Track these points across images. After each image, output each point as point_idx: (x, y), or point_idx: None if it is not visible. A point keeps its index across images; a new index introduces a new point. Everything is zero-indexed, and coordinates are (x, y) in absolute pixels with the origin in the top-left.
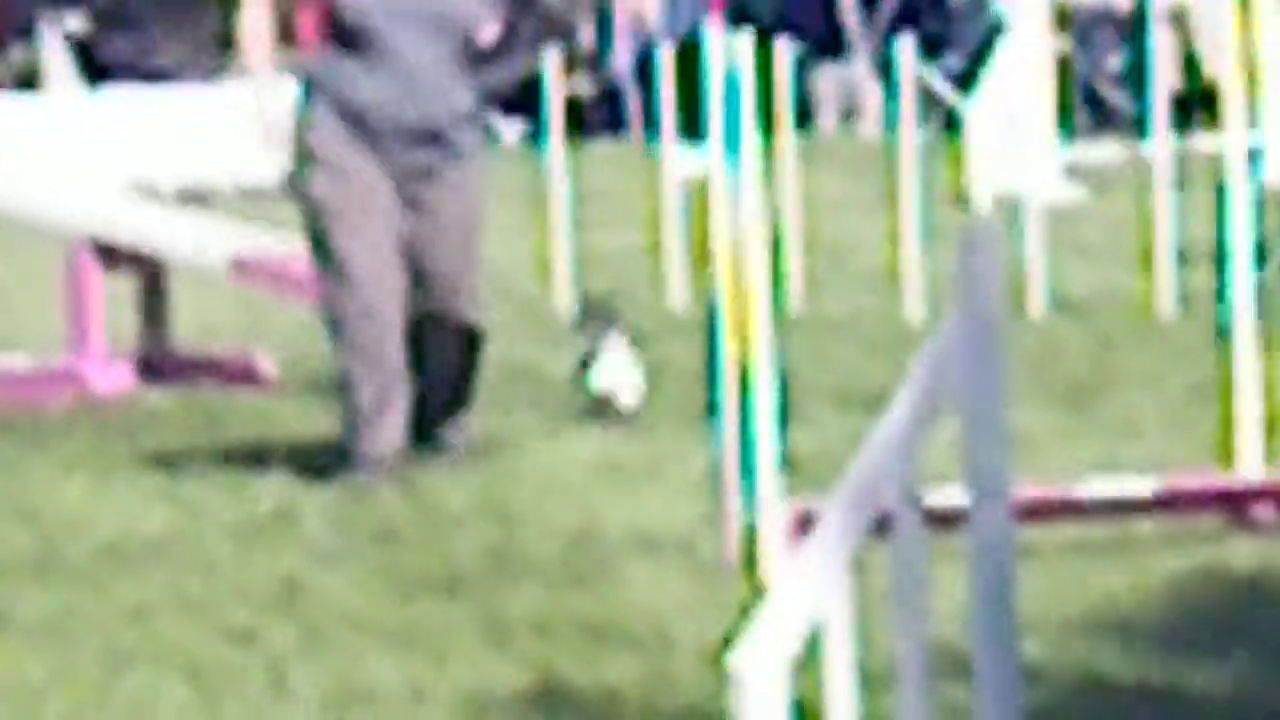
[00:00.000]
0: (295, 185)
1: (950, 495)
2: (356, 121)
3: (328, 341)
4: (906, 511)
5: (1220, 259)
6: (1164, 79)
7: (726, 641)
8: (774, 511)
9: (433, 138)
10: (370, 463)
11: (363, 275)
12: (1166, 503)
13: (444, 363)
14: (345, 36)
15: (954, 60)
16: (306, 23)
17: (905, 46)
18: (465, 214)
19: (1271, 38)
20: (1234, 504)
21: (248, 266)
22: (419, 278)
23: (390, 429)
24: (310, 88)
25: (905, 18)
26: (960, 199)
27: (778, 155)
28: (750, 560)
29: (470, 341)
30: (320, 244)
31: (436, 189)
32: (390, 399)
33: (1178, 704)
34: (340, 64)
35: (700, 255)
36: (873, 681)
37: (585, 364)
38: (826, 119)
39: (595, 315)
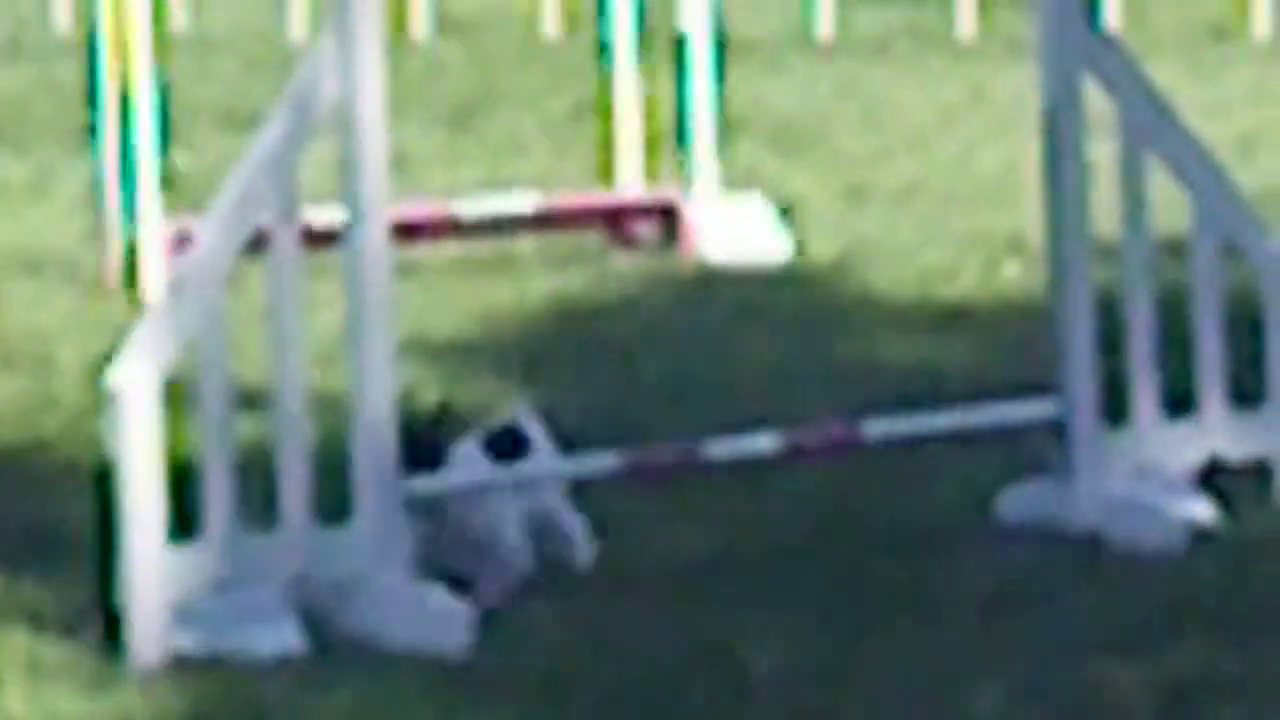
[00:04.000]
0: None
1: (328, 213)
2: None
3: None
4: (283, 229)
5: None
6: None
7: (106, 359)
8: (154, 229)
9: None
10: None
11: None
12: (548, 220)
13: None
14: None
15: None
16: None
17: None
18: None
19: None
20: (614, 221)
21: None
22: None
23: None
24: None
25: None
26: None
27: None
28: (131, 279)
29: None
30: None
31: None
32: None
33: (552, 415)
34: None
35: None
36: (250, 400)
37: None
38: None
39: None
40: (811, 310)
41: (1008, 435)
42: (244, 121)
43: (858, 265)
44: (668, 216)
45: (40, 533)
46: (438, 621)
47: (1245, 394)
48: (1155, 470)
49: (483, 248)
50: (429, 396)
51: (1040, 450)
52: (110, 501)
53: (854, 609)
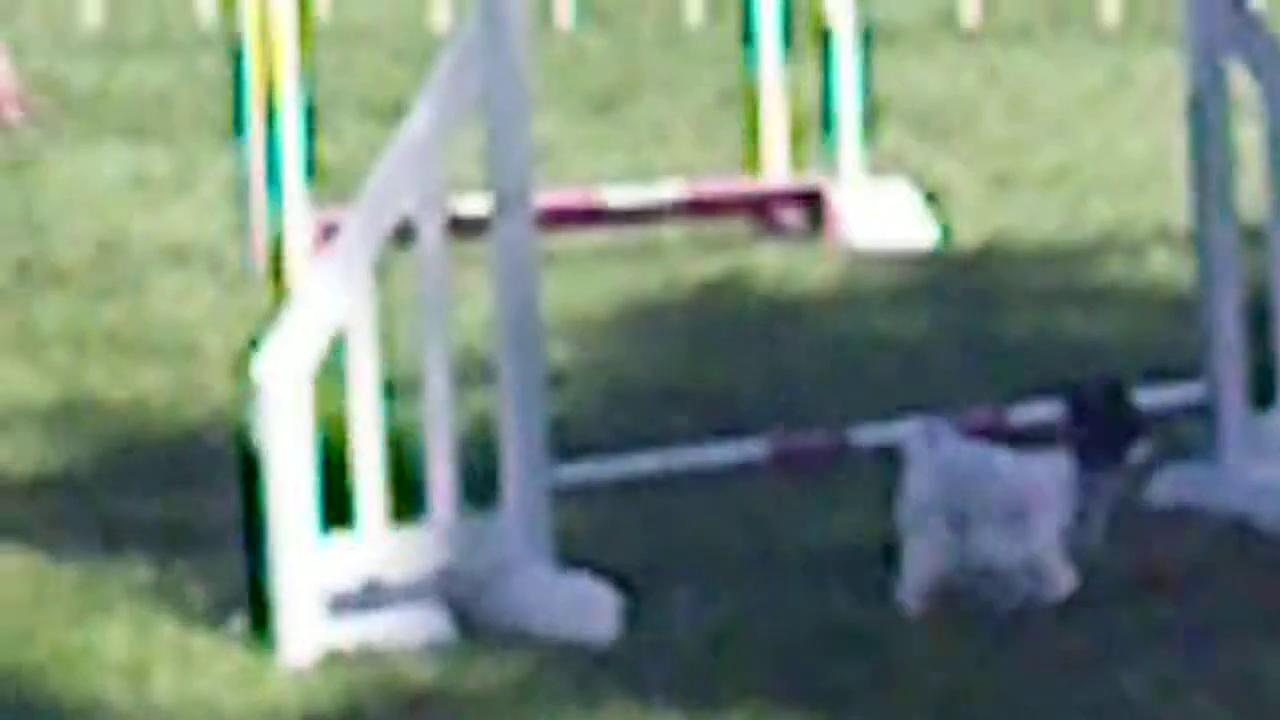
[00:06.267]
0: None
1: (474, 203)
2: None
3: None
4: (429, 218)
5: None
6: None
7: (253, 350)
8: (299, 220)
9: None
10: None
11: None
12: (694, 207)
13: None
14: None
15: None
16: None
17: None
18: None
19: None
20: (760, 209)
21: None
22: None
23: None
24: None
25: None
26: None
27: None
28: (276, 270)
29: None
30: None
31: None
32: None
33: (700, 401)
34: None
35: None
36: (399, 390)
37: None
38: None
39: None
40: (958, 296)
41: (1156, 420)
42: (388, 111)
43: (1004, 251)
44: (814, 203)
45: (188, 523)
46: (585, 609)
47: None
48: None
49: (629, 235)
50: (576, 385)
51: (1188, 434)
52: (258, 492)
53: None
